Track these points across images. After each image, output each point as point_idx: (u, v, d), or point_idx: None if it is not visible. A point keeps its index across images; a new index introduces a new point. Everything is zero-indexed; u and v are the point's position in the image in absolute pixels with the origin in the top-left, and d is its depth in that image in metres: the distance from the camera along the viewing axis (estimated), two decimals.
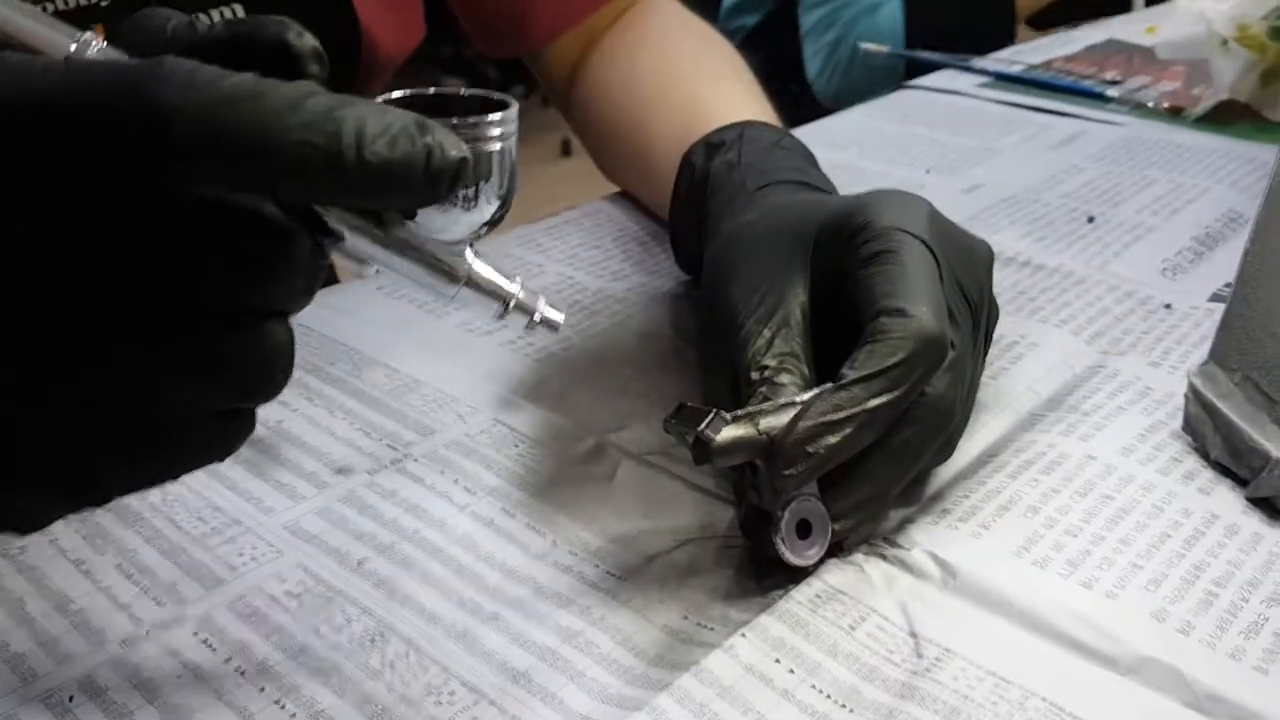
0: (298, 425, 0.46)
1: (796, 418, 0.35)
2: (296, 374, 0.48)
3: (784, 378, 0.38)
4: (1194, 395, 0.44)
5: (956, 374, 0.38)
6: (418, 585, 0.38)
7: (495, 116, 0.28)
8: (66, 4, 0.52)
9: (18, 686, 0.33)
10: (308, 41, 0.27)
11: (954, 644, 0.35)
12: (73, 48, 0.26)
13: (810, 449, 0.35)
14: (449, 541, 0.40)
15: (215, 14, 0.55)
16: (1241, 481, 0.42)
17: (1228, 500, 0.41)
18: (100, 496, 0.28)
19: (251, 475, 0.43)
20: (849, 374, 0.36)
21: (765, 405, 0.36)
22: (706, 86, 0.62)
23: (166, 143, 0.23)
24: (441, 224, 0.28)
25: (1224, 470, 0.42)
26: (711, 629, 0.36)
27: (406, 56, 0.68)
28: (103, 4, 0.52)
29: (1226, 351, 0.43)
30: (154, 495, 0.41)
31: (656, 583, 0.38)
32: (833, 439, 0.35)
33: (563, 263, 0.60)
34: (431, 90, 0.30)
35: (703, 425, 0.35)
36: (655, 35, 0.69)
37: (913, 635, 0.35)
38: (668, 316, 0.55)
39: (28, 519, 0.28)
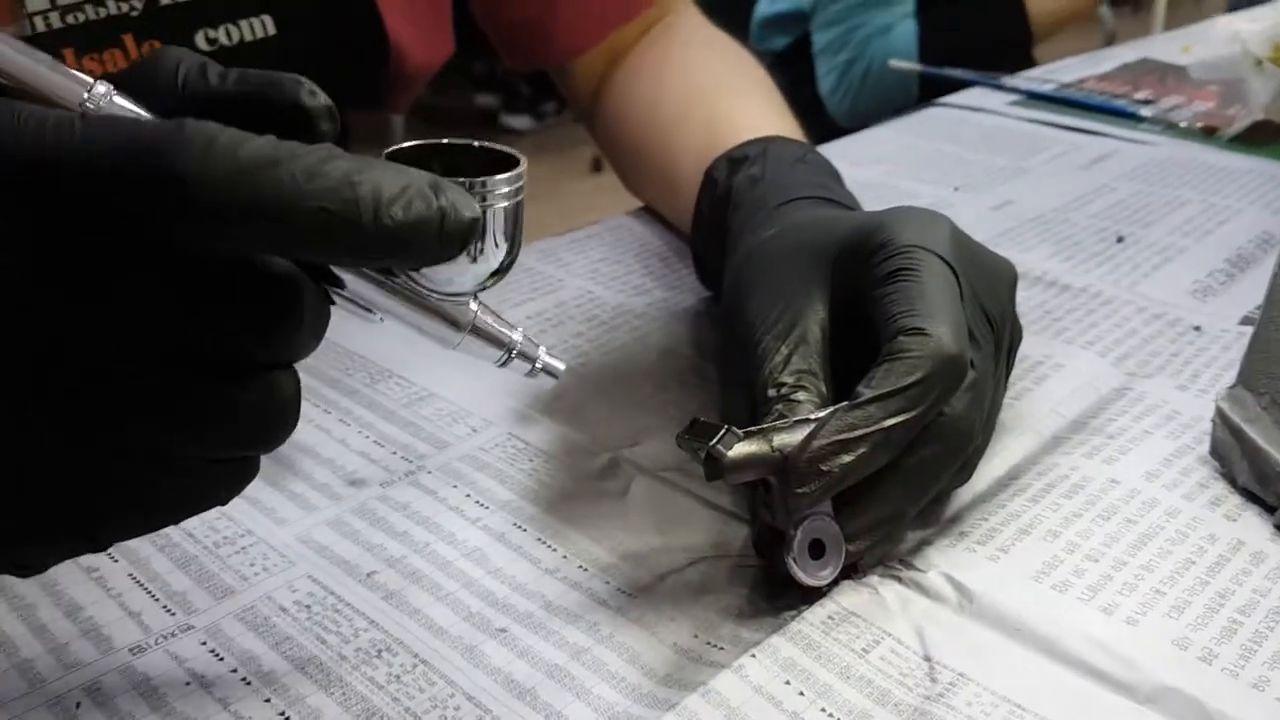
0: (312, 436, 0.46)
1: (810, 435, 0.35)
2: (312, 384, 0.49)
3: (800, 395, 0.38)
4: (1221, 419, 0.43)
5: (976, 395, 0.37)
6: (426, 598, 0.37)
7: (506, 175, 0.28)
8: (99, 14, 0.52)
9: (26, 691, 0.33)
10: (321, 101, 0.27)
11: (969, 669, 0.34)
12: (85, 96, 0.26)
13: (824, 467, 0.34)
14: (459, 555, 0.39)
15: (245, 26, 0.55)
16: (1269, 508, 0.41)
17: (1254, 527, 0.40)
18: (101, 545, 0.28)
19: (265, 485, 0.43)
20: (865, 392, 0.35)
21: (780, 422, 0.35)
22: (730, 102, 0.62)
23: (184, 209, 0.23)
24: (447, 275, 0.28)
25: (1251, 496, 0.42)
26: (722, 649, 0.35)
27: (435, 70, 0.68)
28: (133, 14, 0.53)
29: (1254, 375, 0.42)
30: None
31: (668, 600, 0.37)
32: (847, 458, 0.35)
33: (583, 277, 0.60)
34: (444, 141, 0.30)
35: (714, 440, 0.35)
36: (680, 51, 0.69)
37: (927, 659, 0.35)
38: (688, 333, 0.54)
39: (28, 565, 0.29)
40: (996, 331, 0.40)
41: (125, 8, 0.52)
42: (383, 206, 0.24)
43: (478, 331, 0.30)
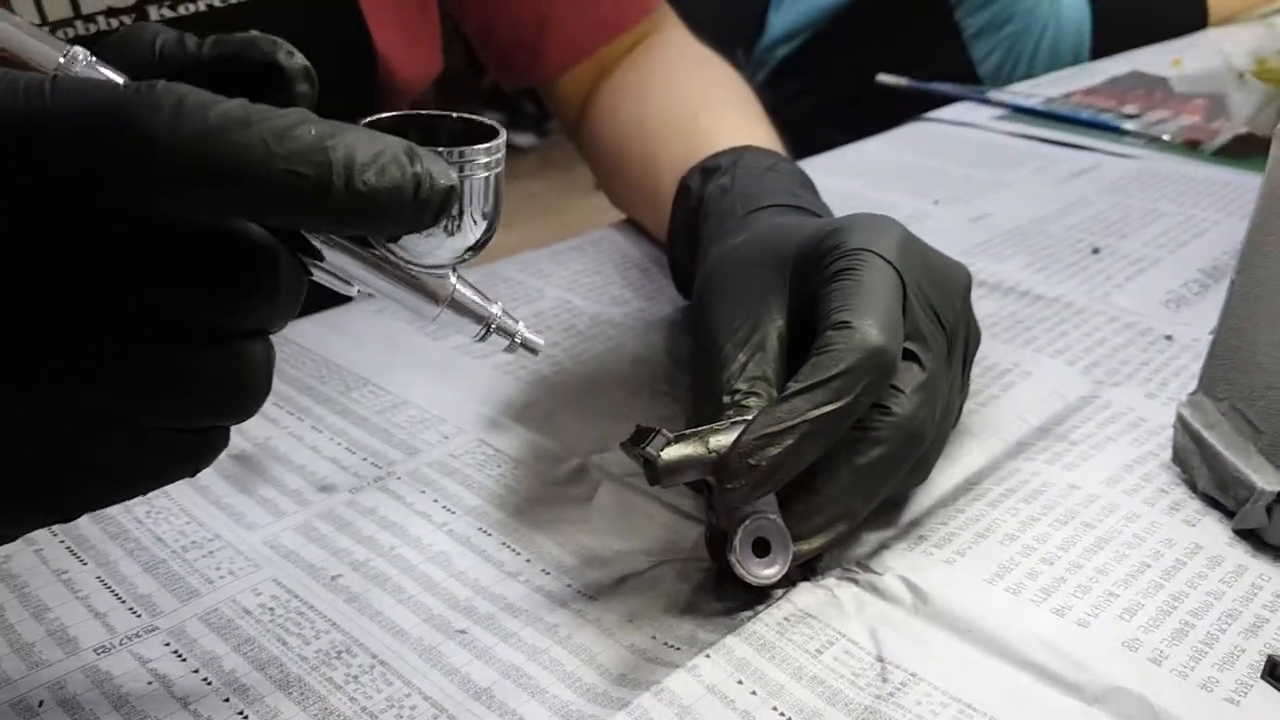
0: (285, 443, 0.46)
1: (741, 433, 0.35)
2: (287, 391, 0.50)
3: (752, 401, 0.38)
4: (1182, 425, 0.43)
5: (927, 395, 0.38)
6: (388, 601, 0.38)
7: (484, 145, 0.28)
8: (88, 29, 0.53)
9: None
10: (298, 61, 0.27)
11: (920, 669, 0.35)
12: (60, 62, 0.25)
13: (752, 462, 0.35)
14: (423, 559, 0.40)
15: None
16: (1229, 513, 0.41)
17: (1214, 532, 0.41)
18: (68, 515, 0.28)
19: (236, 491, 0.43)
20: (791, 386, 0.36)
21: (717, 424, 0.36)
22: (711, 115, 0.62)
23: (152, 170, 0.23)
24: (426, 247, 0.28)
25: (1212, 502, 0.42)
26: (678, 649, 0.36)
27: (425, 85, 0.69)
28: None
29: (1214, 381, 0.43)
30: (139, 509, 0.42)
31: (626, 602, 0.38)
32: (774, 450, 0.35)
33: (562, 288, 0.61)
34: (421, 112, 0.30)
35: (647, 444, 0.35)
36: (665, 67, 0.69)
37: (880, 660, 0.35)
38: (663, 342, 0.55)
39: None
40: (949, 333, 0.40)
41: (115, 24, 0.53)
42: (355, 171, 0.23)
43: (456, 305, 0.29)
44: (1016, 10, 1.29)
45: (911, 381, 0.38)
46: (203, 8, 0.56)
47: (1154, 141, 0.84)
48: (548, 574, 0.39)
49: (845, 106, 1.21)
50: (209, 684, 0.34)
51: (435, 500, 0.43)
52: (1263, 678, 0.34)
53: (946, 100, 0.96)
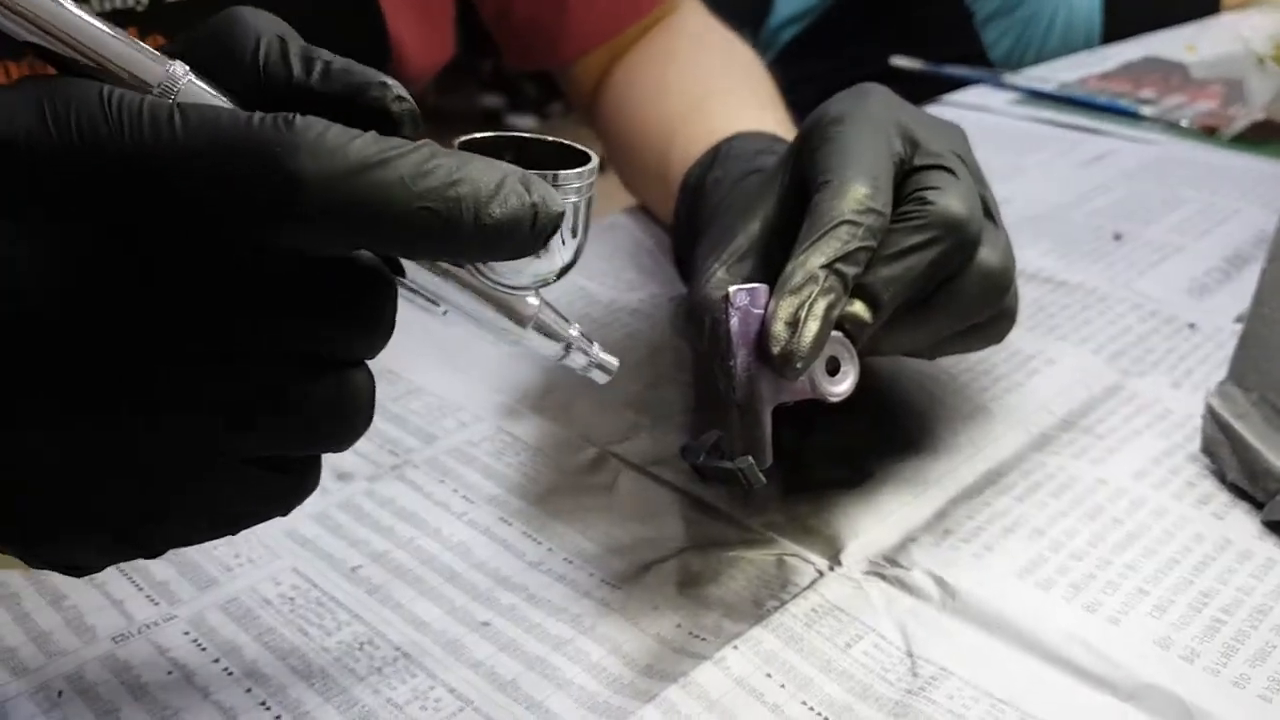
0: None
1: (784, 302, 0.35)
2: None
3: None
4: (1211, 416, 0.43)
5: (963, 189, 0.38)
6: (410, 593, 0.37)
7: (579, 170, 0.28)
8: (104, 6, 0.52)
9: (8, 680, 0.33)
10: (408, 107, 0.27)
11: (951, 664, 0.34)
12: (164, 78, 0.24)
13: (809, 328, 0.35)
14: (443, 549, 0.39)
15: None
16: (1258, 504, 0.41)
17: (1242, 525, 0.40)
18: (156, 550, 0.28)
19: None
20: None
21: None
22: (723, 102, 0.61)
23: (294, 210, 0.22)
24: (515, 269, 0.27)
25: (1241, 493, 0.41)
26: (704, 639, 0.35)
27: (436, 71, 0.68)
28: (139, 8, 0.53)
29: (1244, 371, 0.42)
30: None
31: (651, 591, 0.37)
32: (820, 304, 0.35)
33: (575, 273, 0.60)
34: (512, 134, 0.30)
35: (706, 453, 0.37)
36: (682, 50, 0.69)
37: (909, 654, 0.35)
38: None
39: (79, 566, 0.28)
40: (965, 161, 0.41)
41: (131, 1, 0.52)
42: (482, 205, 0.23)
43: (540, 326, 0.29)
44: None
45: (944, 180, 0.38)
46: None
47: (1171, 127, 0.83)
48: (570, 563, 0.39)
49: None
50: (230, 674, 0.34)
51: (454, 490, 0.42)
52: None
53: (960, 84, 0.95)
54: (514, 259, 0.26)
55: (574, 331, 0.31)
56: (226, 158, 0.22)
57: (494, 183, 0.24)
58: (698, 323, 0.39)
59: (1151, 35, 1.08)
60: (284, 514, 0.28)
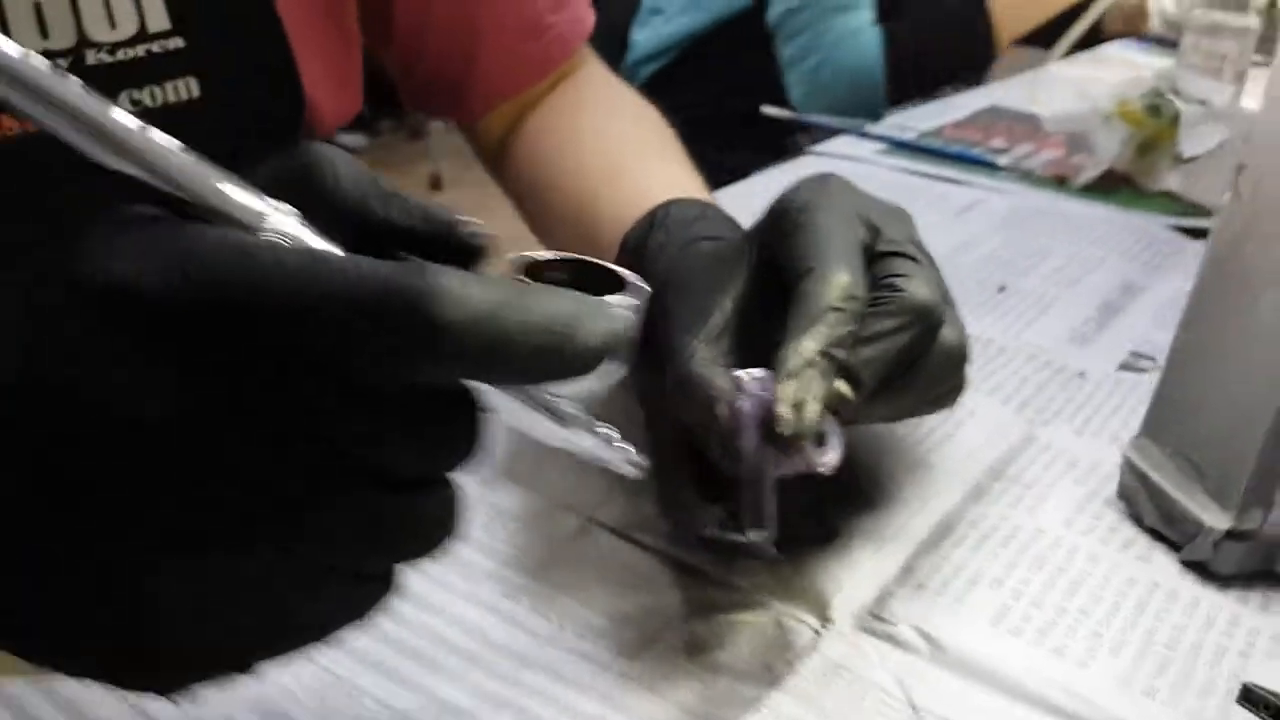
0: None
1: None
2: None
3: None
4: (1129, 466, 0.48)
5: (928, 276, 0.43)
6: (434, 677, 0.38)
7: (636, 300, 0.30)
8: (100, 60, 0.51)
9: None
10: (486, 240, 0.28)
11: (951, 714, 0.38)
12: (267, 219, 0.25)
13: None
14: (458, 631, 0.40)
15: (170, 88, 0.55)
16: (1173, 545, 0.46)
17: (1163, 566, 0.45)
18: (252, 669, 0.28)
19: None
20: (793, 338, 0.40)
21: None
22: (641, 163, 0.64)
23: (432, 354, 0.24)
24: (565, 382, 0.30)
25: (1158, 535, 0.47)
26: (728, 707, 0.38)
27: (345, 124, 0.69)
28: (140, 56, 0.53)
29: (1159, 428, 0.48)
30: None
31: (663, 661, 0.40)
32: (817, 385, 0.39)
33: None
34: (564, 256, 0.32)
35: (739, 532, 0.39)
36: (591, 108, 0.71)
37: (912, 707, 0.38)
38: (637, 384, 0.56)
39: (169, 687, 0.28)
40: (923, 253, 0.45)
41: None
42: (579, 339, 0.25)
43: (576, 427, 0.31)
44: (819, 44, 1.37)
45: (910, 269, 0.42)
46: (141, 53, 0.54)
47: (1025, 176, 0.90)
48: (582, 637, 0.41)
49: (715, 125, 1.25)
50: None
51: (449, 566, 0.43)
52: (1239, 703, 0.39)
53: (820, 130, 1.01)
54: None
55: (613, 433, 0.32)
56: (371, 304, 0.23)
57: (581, 314, 0.25)
58: (685, 398, 0.41)
59: (996, 85, 1.17)
60: (361, 620, 0.28)
